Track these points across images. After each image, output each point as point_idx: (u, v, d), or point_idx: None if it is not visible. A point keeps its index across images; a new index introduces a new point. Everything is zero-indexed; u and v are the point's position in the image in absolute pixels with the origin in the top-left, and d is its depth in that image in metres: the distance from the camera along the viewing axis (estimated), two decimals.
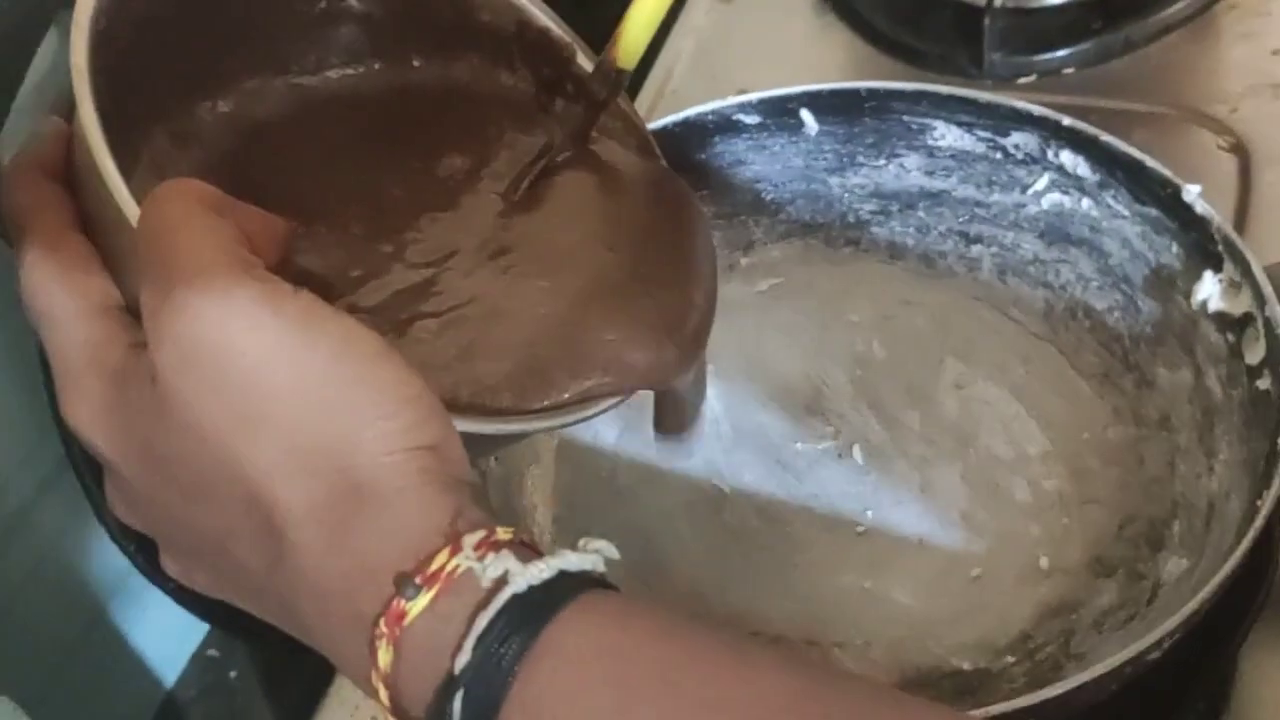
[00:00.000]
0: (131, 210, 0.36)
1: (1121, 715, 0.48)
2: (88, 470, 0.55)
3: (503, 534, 0.32)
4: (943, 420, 0.60)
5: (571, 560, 0.32)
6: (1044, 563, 0.54)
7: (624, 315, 0.45)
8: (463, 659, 0.30)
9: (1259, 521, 0.44)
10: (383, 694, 0.31)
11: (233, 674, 0.66)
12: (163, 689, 0.64)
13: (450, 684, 0.30)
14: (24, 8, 0.46)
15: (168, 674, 0.65)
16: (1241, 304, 0.52)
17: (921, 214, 0.65)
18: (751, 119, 0.64)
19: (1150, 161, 0.56)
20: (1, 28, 0.45)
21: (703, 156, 0.64)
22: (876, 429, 0.61)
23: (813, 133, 0.64)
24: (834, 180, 0.66)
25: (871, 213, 0.66)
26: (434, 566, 0.31)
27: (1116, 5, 0.79)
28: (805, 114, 0.64)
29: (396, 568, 0.31)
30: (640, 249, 0.48)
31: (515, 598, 0.31)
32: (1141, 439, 0.56)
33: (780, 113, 0.64)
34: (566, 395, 0.43)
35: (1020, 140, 0.60)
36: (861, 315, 0.65)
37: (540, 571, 0.31)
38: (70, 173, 0.40)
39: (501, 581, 0.31)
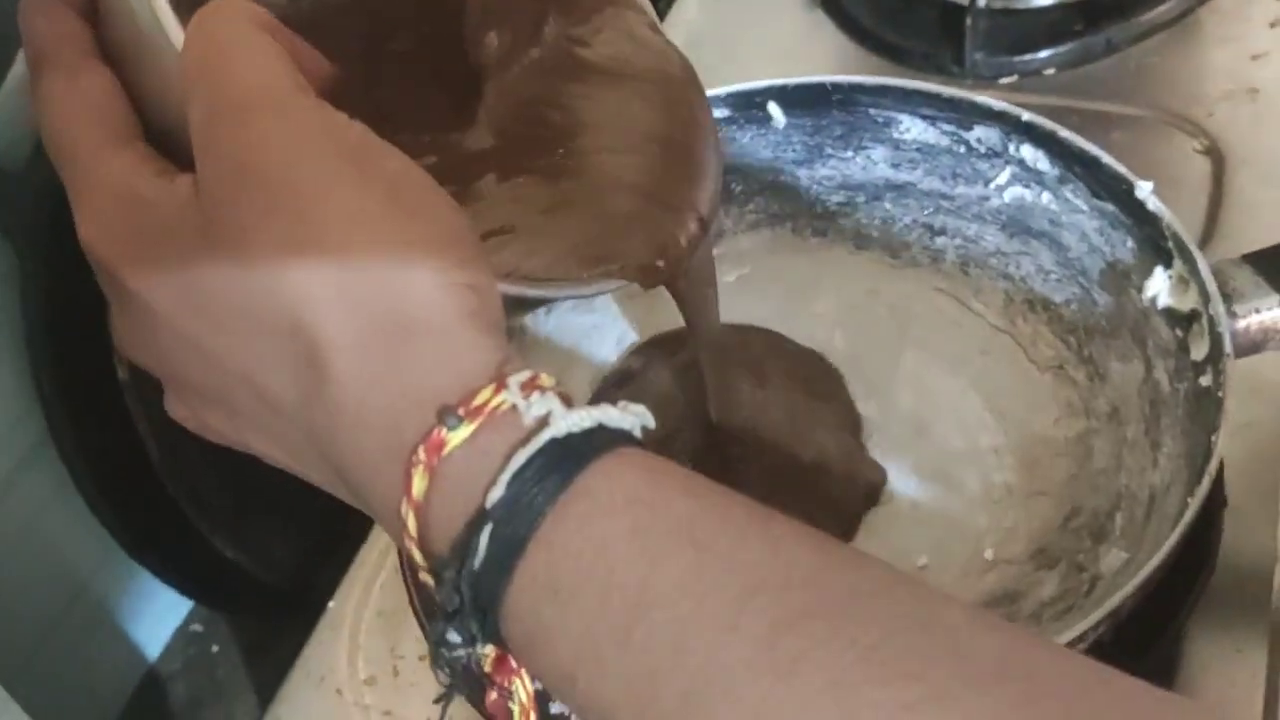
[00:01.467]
0: (175, 31, 0.34)
1: None
2: (71, 443, 0.56)
3: (546, 380, 0.32)
4: (899, 411, 0.60)
5: (612, 415, 0.32)
6: (989, 554, 0.54)
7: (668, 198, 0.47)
8: (495, 493, 0.30)
9: (1189, 516, 0.45)
10: (411, 522, 0.31)
11: (215, 648, 0.67)
12: (146, 662, 0.65)
13: (480, 518, 0.30)
14: None
15: (151, 648, 0.66)
16: (1189, 300, 0.52)
17: (888, 205, 0.65)
18: (721, 112, 0.64)
19: (1106, 158, 0.56)
20: (1, 28, 0.45)
21: None
22: None
23: (781, 126, 0.65)
24: (802, 172, 0.66)
25: (839, 204, 0.67)
26: (478, 400, 0.31)
27: (1099, 8, 0.79)
28: (773, 107, 0.64)
29: (441, 400, 0.31)
30: (671, 131, 0.49)
31: (554, 441, 0.30)
32: (1092, 431, 0.56)
33: (749, 106, 0.64)
34: (608, 269, 0.44)
35: (982, 134, 0.61)
36: (826, 305, 0.65)
37: (581, 419, 0.31)
38: (92, 3, 0.39)
39: (543, 422, 0.31)
